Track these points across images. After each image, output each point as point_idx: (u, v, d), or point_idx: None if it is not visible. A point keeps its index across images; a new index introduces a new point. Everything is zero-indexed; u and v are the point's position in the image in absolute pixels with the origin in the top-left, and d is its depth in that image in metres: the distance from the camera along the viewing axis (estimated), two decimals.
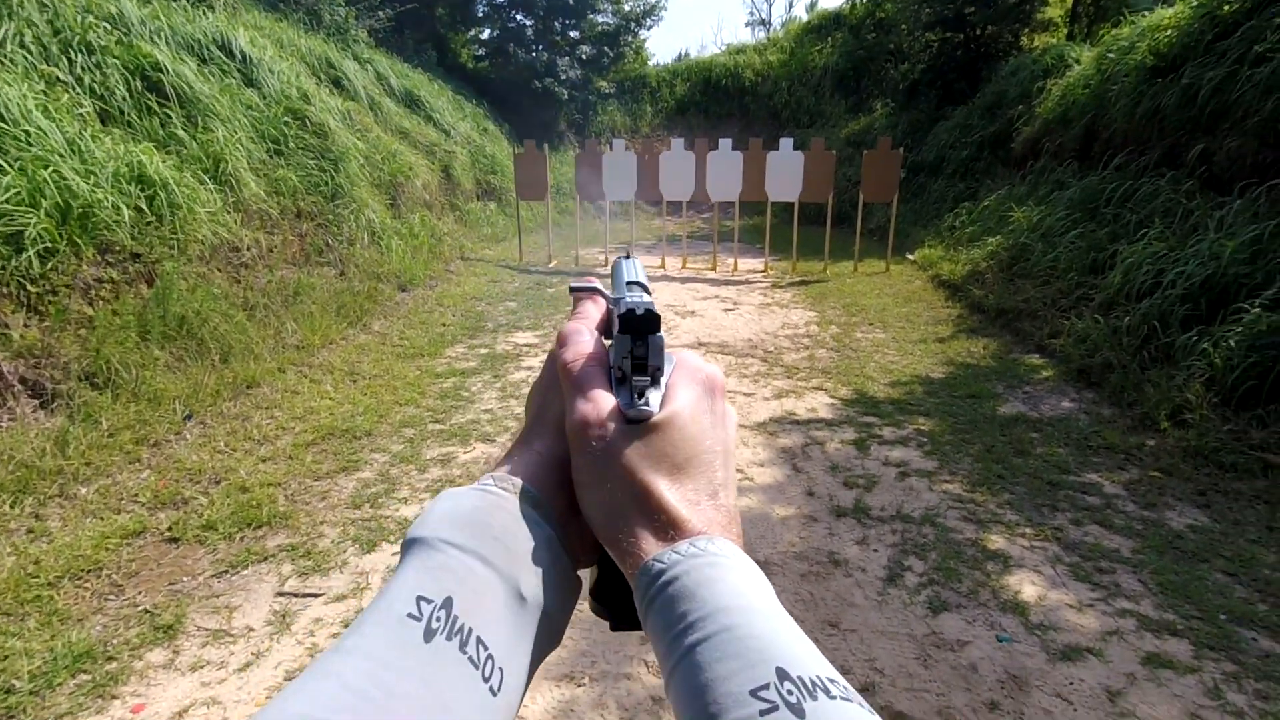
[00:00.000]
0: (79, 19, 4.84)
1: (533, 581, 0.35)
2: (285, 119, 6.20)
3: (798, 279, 8.22)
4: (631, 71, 18.30)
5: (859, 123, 14.39)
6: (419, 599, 0.31)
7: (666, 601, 0.32)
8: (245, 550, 2.65)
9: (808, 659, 0.30)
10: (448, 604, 0.31)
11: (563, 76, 15.04)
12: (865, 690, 2.03)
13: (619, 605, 0.40)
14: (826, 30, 17.41)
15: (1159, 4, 7.37)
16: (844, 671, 2.11)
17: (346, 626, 2.19)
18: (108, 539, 2.65)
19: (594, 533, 0.38)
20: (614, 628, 0.40)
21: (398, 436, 3.72)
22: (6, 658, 2.05)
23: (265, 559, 2.61)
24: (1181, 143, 5.59)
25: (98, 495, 2.93)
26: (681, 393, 0.40)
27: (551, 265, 8.91)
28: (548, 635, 0.36)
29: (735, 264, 8.79)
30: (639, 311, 0.39)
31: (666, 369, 0.41)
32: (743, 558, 0.35)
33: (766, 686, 0.28)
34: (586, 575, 0.42)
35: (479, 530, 0.35)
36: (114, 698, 1.96)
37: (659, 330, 0.40)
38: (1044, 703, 1.97)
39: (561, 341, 0.43)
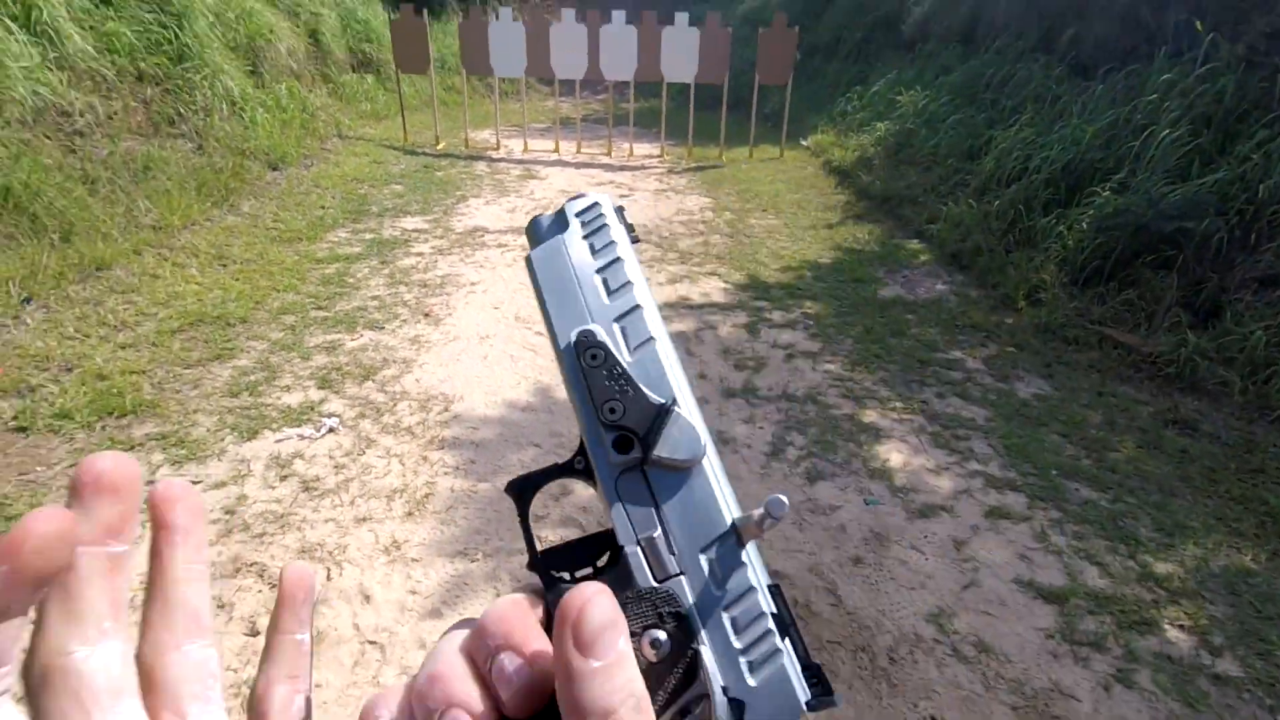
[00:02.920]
0: None
1: None
2: None
3: (693, 164, 8.08)
4: None
5: None
6: None
7: None
8: (108, 439, 2.49)
9: None
10: None
11: None
12: None
13: None
14: None
15: None
16: None
17: (228, 514, 2.09)
18: None
19: None
20: None
21: (276, 324, 3.49)
22: None
23: (132, 448, 2.46)
24: (1056, 27, 5.74)
25: None
26: None
27: (439, 147, 8.29)
28: None
29: (630, 149, 8.50)
30: None
31: None
32: None
33: None
34: None
35: None
36: None
37: None
38: (900, 555, 2.18)
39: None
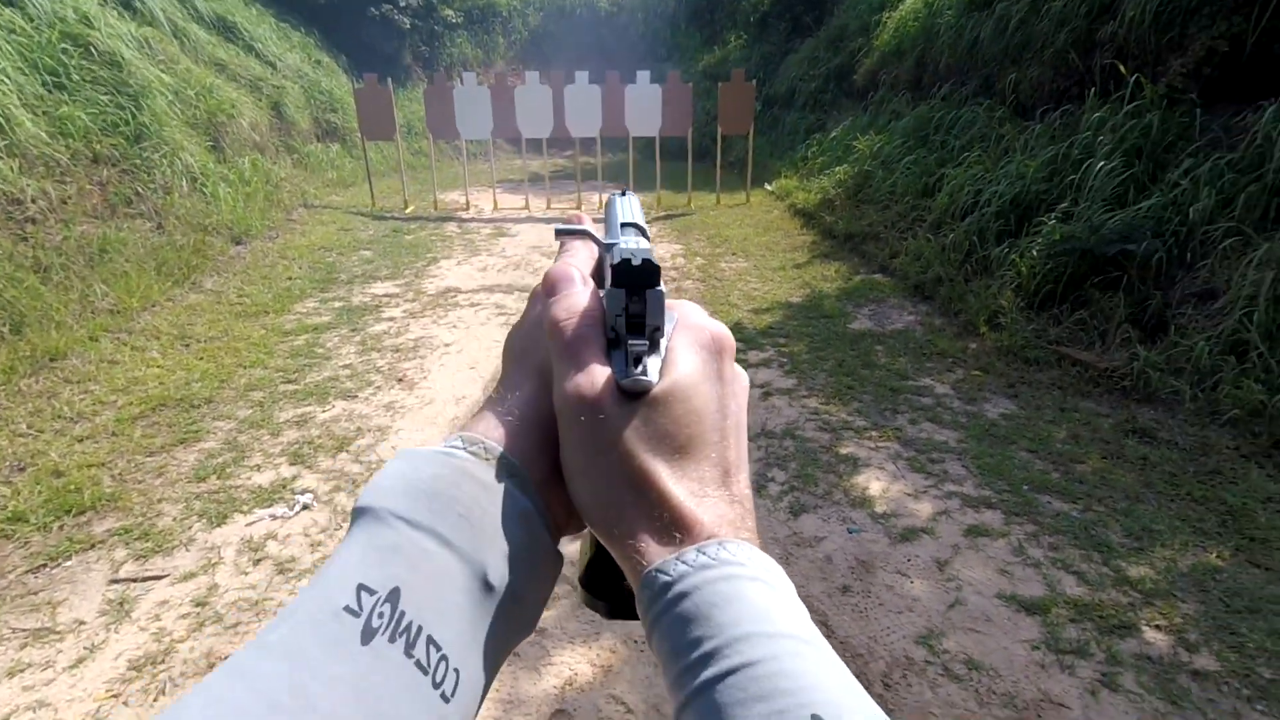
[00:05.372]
0: None
1: (502, 565, 0.30)
2: (63, 46, 5.31)
3: (662, 213, 8.30)
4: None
5: (714, 55, 14.47)
6: (360, 588, 0.26)
7: (675, 622, 0.28)
8: (66, 539, 2.38)
9: (846, 701, 0.25)
10: (394, 596, 0.27)
11: (403, 3, 13.87)
12: None
13: (614, 594, 0.35)
14: None
15: None
16: None
17: (199, 606, 2.02)
18: None
19: (587, 523, 0.33)
20: (609, 616, 0.36)
21: (244, 401, 3.44)
22: None
23: (93, 546, 2.36)
24: (995, 72, 6.10)
25: None
26: (683, 357, 0.34)
27: (408, 211, 8.41)
28: (519, 623, 0.31)
29: (600, 201, 8.72)
30: (635, 261, 0.33)
31: (666, 328, 0.35)
32: (763, 564, 0.30)
33: None
34: (571, 547, 0.37)
35: (440, 503, 0.29)
36: None
37: (659, 284, 0.34)
38: (887, 580, 2.21)
39: (550, 289, 0.37)
